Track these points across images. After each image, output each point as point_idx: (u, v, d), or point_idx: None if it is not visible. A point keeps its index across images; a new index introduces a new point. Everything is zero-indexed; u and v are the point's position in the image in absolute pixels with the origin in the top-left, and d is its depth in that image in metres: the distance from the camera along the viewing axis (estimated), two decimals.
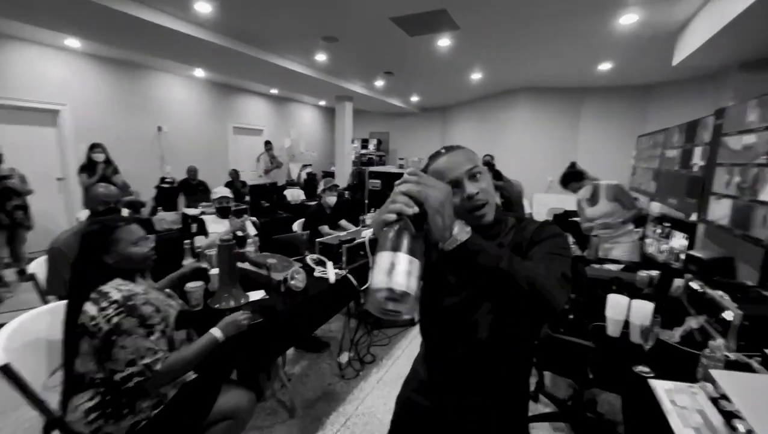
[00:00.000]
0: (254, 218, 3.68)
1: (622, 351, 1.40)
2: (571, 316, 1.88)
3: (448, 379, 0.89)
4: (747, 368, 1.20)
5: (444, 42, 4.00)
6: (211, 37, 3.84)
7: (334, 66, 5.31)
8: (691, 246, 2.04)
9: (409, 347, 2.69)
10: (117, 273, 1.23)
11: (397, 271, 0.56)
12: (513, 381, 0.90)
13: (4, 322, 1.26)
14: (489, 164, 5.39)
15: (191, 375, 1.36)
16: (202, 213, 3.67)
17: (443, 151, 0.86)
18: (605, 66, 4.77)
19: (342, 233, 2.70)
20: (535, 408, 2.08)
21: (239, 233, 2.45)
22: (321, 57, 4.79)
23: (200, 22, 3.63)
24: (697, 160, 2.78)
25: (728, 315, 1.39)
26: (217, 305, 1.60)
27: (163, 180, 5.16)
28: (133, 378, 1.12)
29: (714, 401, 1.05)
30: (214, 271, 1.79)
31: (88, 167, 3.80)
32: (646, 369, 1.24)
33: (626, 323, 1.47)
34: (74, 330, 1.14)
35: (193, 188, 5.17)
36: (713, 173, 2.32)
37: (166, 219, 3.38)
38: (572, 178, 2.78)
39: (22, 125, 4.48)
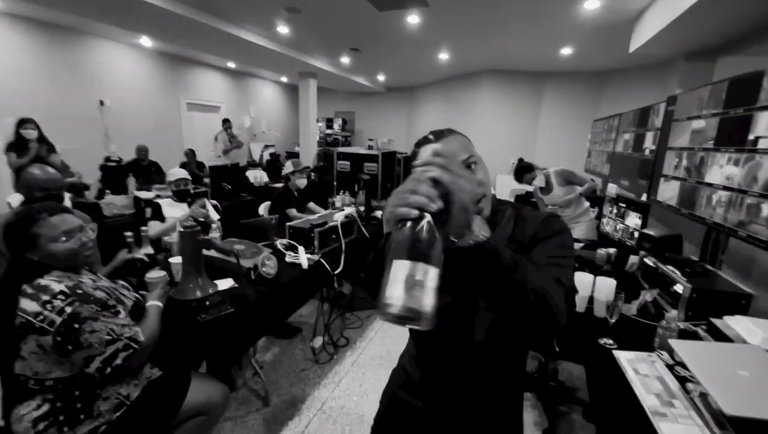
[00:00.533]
0: (214, 201, 3.48)
1: (588, 324, 1.49)
2: None
3: (444, 382, 0.82)
4: (694, 336, 1.32)
5: (413, 19, 3.90)
6: (158, 1, 3.46)
7: (297, 40, 5.03)
8: (644, 225, 2.19)
9: (381, 328, 2.72)
10: (53, 267, 1.11)
11: (414, 286, 0.47)
12: (510, 381, 0.86)
13: None
14: None
15: (156, 373, 1.27)
16: (157, 197, 3.42)
17: (432, 137, 0.77)
18: (567, 51, 4.91)
19: (312, 217, 2.62)
20: None
21: (201, 219, 2.31)
22: (283, 29, 4.51)
23: None
24: (649, 144, 2.97)
25: (679, 288, 1.52)
26: (181, 297, 1.50)
27: (107, 160, 4.70)
28: (118, 355, 1.06)
29: (670, 368, 1.15)
30: (176, 259, 1.67)
31: (16, 145, 3.36)
32: (610, 341, 1.33)
33: (590, 299, 1.57)
34: (11, 331, 1.01)
35: (144, 169, 4.78)
36: (664, 157, 2.49)
37: (115, 203, 3.10)
38: (524, 171, 2.96)
39: None
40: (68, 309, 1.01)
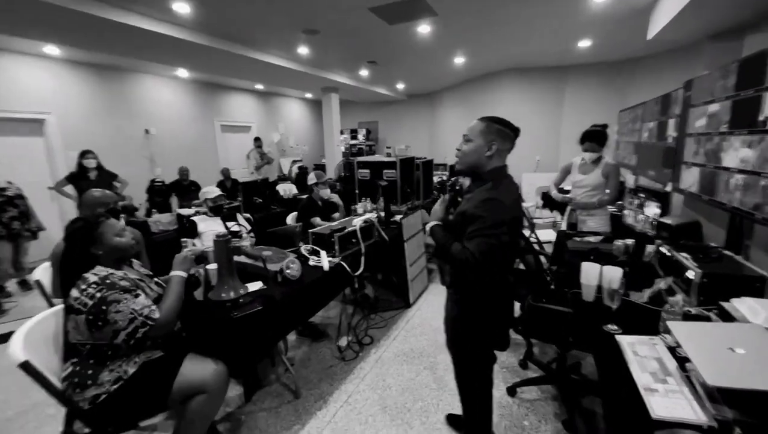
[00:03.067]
0: (247, 215, 3.76)
1: (595, 313, 1.52)
2: (552, 286, 2.00)
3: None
4: (707, 321, 1.32)
5: (424, 28, 4.04)
6: (191, 37, 3.84)
7: (317, 58, 5.32)
8: (663, 214, 2.16)
9: (405, 328, 2.82)
10: (100, 262, 1.38)
11: None
12: (462, 297, 1.41)
13: (13, 330, 1.35)
14: None
15: (156, 354, 1.43)
16: (196, 213, 3.75)
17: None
18: (585, 43, 4.83)
19: (334, 223, 2.79)
20: (524, 374, 2.22)
21: (235, 228, 2.53)
22: (303, 50, 4.80)
23: (180, 22, 3.64)
24: (671, 131, 2.89)
25: (690, 274, 1.51)
26: (217, 298, 1.69)
27: (153, 182, 5.19)
28: (138, 331, 1.29)
29: (672, 350, 1.18)
30: (212, 266, 1.88)
31: (77, 176, 3.83)
32: (614, 327, 1.36)
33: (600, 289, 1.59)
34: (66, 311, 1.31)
35: (185, 189, 5.22)
36: (684, 143, 2.43)
37: (161, 221, 3.44)
38: (598, 139, 2.57)
39: (9, 136, 4.48)
40: (98, 295, 1.27)
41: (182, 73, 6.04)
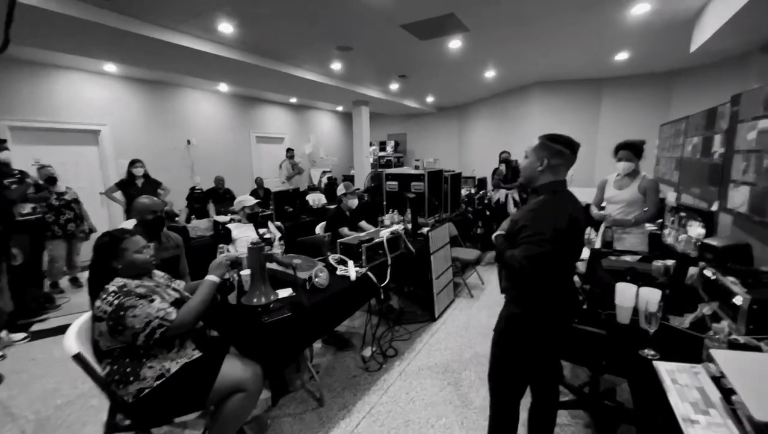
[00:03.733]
0: (278, 223, 3.89)
1: (630, 336, 1.45)
2: (585, 306, 1.93)
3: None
4: (757, 350, 1.23)
5: (455, 44, 4.08)
6: (233, 55, 4.08)
7: (349, 73, 5.48)
8: (709, 235, 2.05)
9: (429, 341, 2.79)
10: (119, 275, 1.47)
11: None
12: (514, 299, 1.45)
13: (65, 323, 1.48)
14: (507, 161, 5.40)
15: (197, 354, 1.51)
16: (231, 220, 3.92)
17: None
18: (622, 56, 4.70)
19: (362, 234, 2.84)
20: None
21: (267, 235, 2.63)
22: (336, 65, 4.97)
23: (224, 41, 3.88)
24: (718, 147, 2.74)
25: (738, 300, 1.42)
26: (250, 303, 1.76)
27: (193, 190, 5.48)
28: (156, 332, 1.36)
29: (716, 380, 1.11)
30: (246, 272, 1.96)
31: (127, 182, 4.12)
32: (652, 352, 1.30)
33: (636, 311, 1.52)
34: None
35: (221, 197, 5.48)
36: (731, 160, 2.30)
37: (199, 227, 3.63)
38: (633, 148, 2.47)
39: (68, 145, 4.91)
40: (115, 302, 1.34)
41: (222, 87, 6.40)
